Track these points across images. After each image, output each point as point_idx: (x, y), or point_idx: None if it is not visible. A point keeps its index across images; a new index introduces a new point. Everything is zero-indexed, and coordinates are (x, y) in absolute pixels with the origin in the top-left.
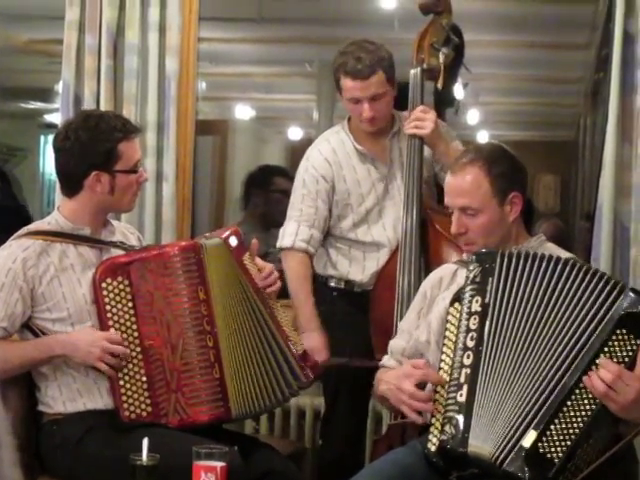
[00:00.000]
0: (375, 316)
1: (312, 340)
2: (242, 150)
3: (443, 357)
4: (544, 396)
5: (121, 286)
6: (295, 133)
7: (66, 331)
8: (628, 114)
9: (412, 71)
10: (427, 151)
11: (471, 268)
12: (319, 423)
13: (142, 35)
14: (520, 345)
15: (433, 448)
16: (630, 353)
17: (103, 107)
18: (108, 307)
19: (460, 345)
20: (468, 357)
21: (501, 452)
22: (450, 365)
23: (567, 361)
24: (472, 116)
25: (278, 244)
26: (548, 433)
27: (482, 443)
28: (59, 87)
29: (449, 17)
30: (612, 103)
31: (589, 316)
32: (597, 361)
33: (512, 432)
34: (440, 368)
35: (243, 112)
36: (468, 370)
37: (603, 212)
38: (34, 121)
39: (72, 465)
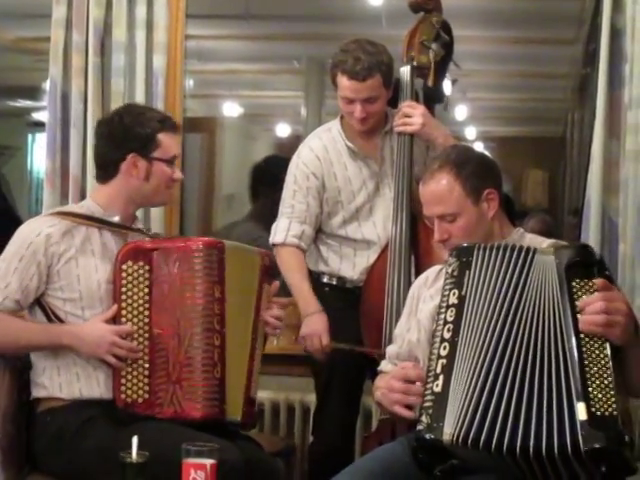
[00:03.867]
0: (365, 310)
1: (312, 323)
2: (230, 147)
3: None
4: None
5: (141, 270)
6: (283, 130)
7: (76, 313)
8: (616, 109)
9: (402, 68)
10: (418, 148)
11: (449, 262)
12: (309, 420)
13: (129, 33)
14: (495, 335)
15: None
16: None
17: (90, 105)
18: (124, 289)
19: (438, 337)
20: (444, 348)
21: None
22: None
23: (549, 338)
24: (460, 112)
25: (270, 240)
26: (592, 397)
27: (457, 431)
28: (47, 85)
29: (439, 15)
30: (600, 98)
31: (552, 291)
32: (577, 305)
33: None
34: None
35: (231, 109)
36: (444, 361)
37: (591, 207)
38: (22, 119)
39: (70, 457)
